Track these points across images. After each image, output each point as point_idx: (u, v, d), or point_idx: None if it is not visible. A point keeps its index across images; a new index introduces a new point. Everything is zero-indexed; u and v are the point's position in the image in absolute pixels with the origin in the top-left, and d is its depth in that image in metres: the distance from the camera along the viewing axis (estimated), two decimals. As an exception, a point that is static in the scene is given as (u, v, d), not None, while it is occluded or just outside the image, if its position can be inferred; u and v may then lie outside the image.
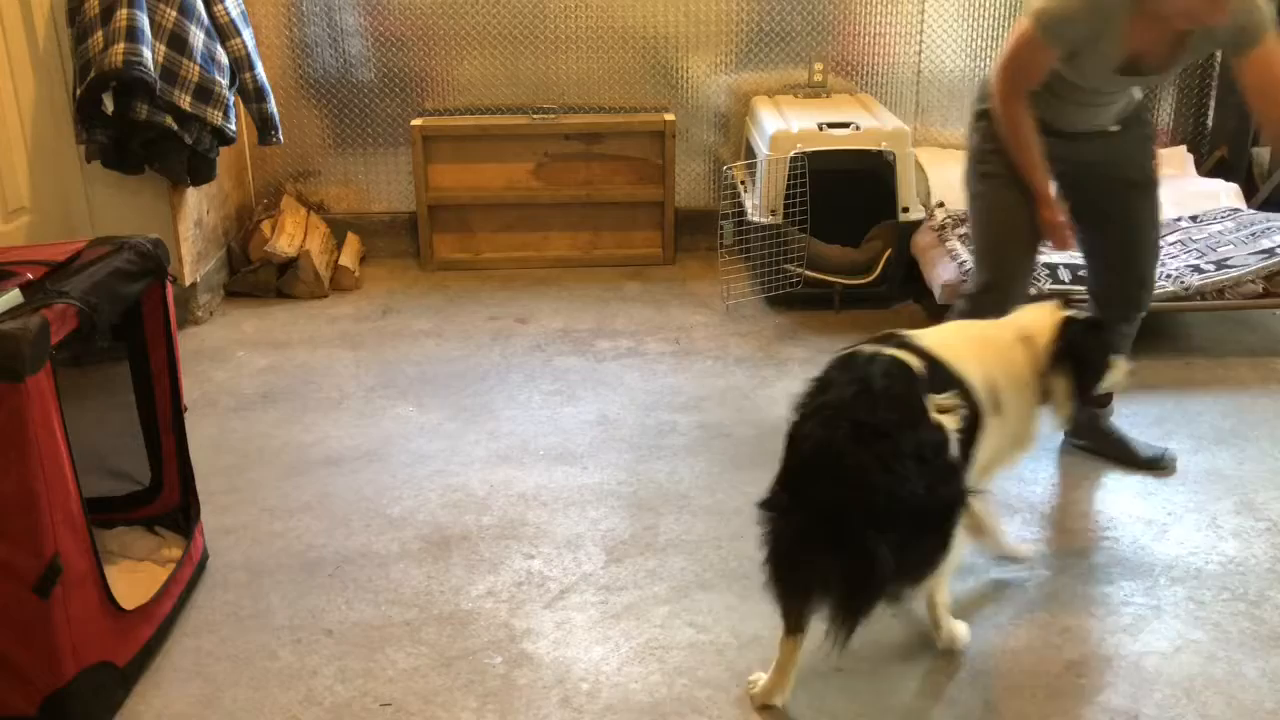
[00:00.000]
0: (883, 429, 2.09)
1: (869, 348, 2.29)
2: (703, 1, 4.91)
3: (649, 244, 5.07)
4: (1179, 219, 4.44)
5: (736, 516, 2.98)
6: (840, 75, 5.06)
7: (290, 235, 4.68)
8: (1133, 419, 3.40)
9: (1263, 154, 5.04)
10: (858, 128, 4.37)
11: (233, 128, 4.12)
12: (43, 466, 2.05)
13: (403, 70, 4.98)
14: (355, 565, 2.81)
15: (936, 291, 4.14)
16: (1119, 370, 2.64)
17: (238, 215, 4.87)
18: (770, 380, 3.83)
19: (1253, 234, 4.19)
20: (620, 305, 4.56)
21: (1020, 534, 2.91)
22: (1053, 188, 2.93)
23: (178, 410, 2.68)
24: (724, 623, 2.57)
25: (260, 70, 4.31)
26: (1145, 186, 3.05)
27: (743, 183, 4.72)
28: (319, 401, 3.71)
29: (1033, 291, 3.21)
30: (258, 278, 4.63)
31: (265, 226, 4.70)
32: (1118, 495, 3.12)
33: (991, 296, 2.90)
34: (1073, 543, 2.89)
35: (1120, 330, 3.07)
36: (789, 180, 4.30)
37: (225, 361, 4.04)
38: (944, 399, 2.20)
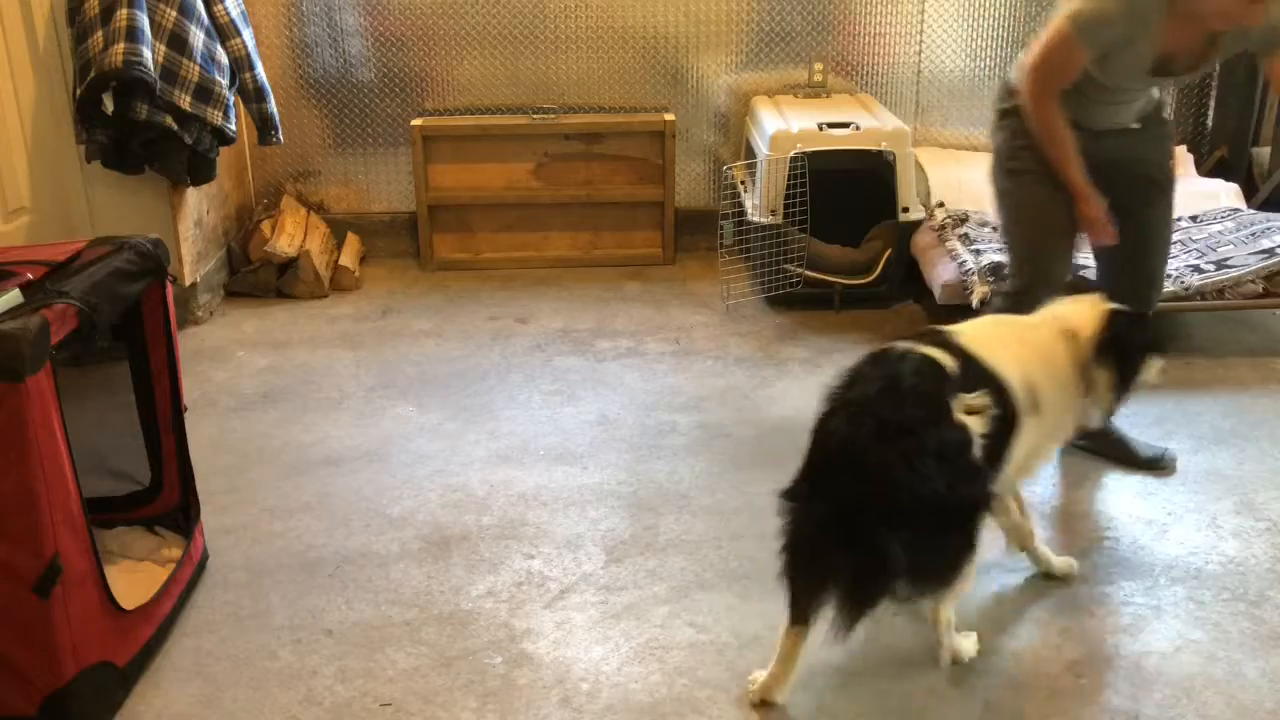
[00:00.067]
0: (907, 426, 2.10)
1: (903, 344, 2.30)
2: (703, 1, 4.91)
3: (649, 244, 5.07)
4: (1179, 219, 4.43)
5: (736, 516, 2.98)
6: (840, 75, 5.06)
7: (290, 235, 4.68)
8: (1133, 419, 3.40)
9: (1263, 154, 5.04)
10: (858, 128, 4.37)
11: (233, 128, 4.12)
12: (43, 466, 2.05)
13: (403, 70, 4.98)
14: (355, 565, 2.81)
15: (936, 291, 4.14)
16: (1154, 367, 2.64)
17: (238, 215, 4.87)
18: (770, 380, 3.83)
19: (1253, 234, 4.19)
20: (620, 305, 4.56)
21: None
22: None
23: (178, 410, 2.68)
24: (724, 623, 2.57)
25: (260, 70, 4.31)
26: (1164, 185, 3.07)
27: (743, 183, 4.72)
28: (319, 401, 3.71)
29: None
30: (258, 278, 4.63)
31: (265, 226, 4.70)
32: (1118, 495, 3.12)
33: (1031, 294, 2.87)
34: (1073, 543, 2.89)
35: None
36: (789, 180, 4.30)
37: (225, 361, 4.04)
38: (973, 399, 2.20)
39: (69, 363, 2.42)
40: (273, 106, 4.38)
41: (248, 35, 4.22)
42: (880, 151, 4.34)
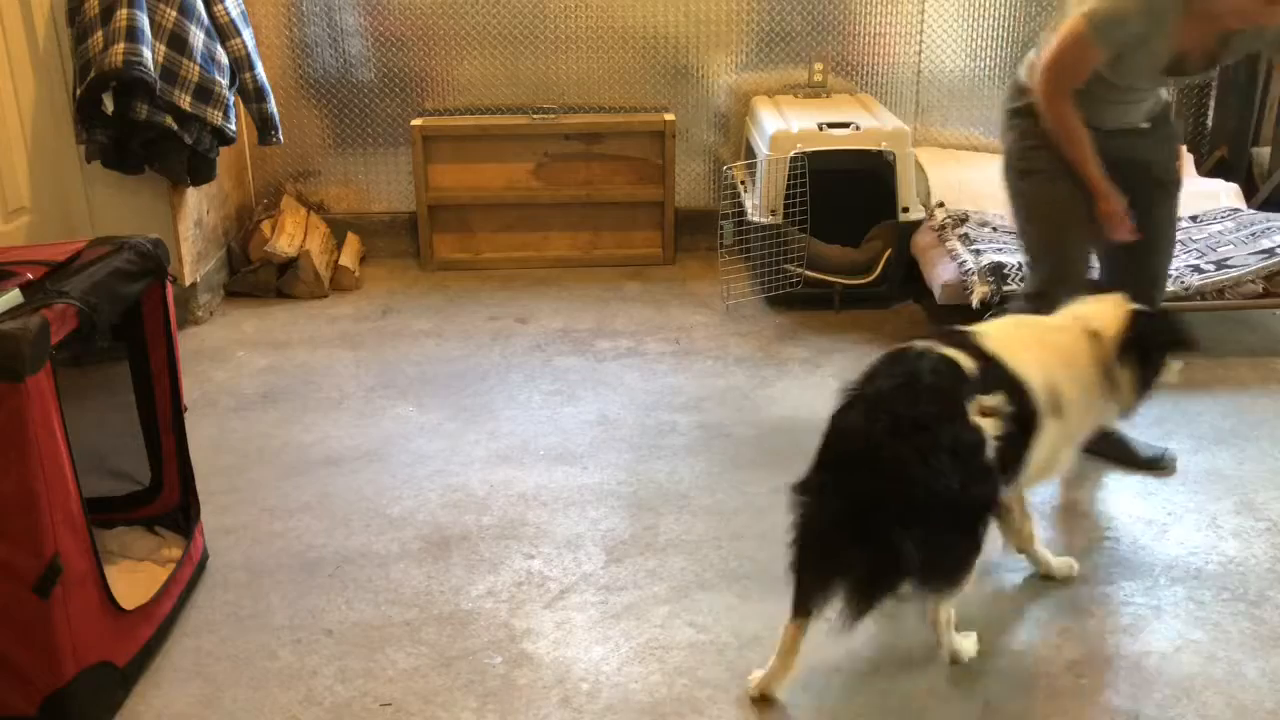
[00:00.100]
0: (922, 422, 2.11)
1: (922, 344, 2.30)
2: (703, 1, 4.91)
3: (649, 244, 5.07)
4: (1179, 219, 4.43)
5: (736, 516, 2.98)
6: (840, 75, 5.06)
7: (290, 235, 4.68)
8: (1133, 419, 3.40)
9: (1263, 154, 5.04)
10: (858, 128, 4.37)
11: (233, 128, 4.12)
12: (43, 466, 2.05)
13: (403, 70, 4.98)
14: (355, 565, 2.81)
15: (936, 291, 4.14)
16: (1174, 368, 2.64)
17: (238, 215, 4.87)
18: (770, 380, 3.83)
19: (1253, 234, 4.20)
20: (620, 305, 4.56)
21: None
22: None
23: (178, 410, 2.68)
24: (724, 623, 2.57)
25: (260, 70, 4.31)
26: (1169, 187, 3.08)
27: (743, 183, 4.72)
28: (319, 401, 3.71)
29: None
30: (258, 278, 4.63)
31: (265, 226, 4.70)
32: (1118, 495, 3.12)
33: (1052, 294, 2.86)
34: (1073, 543, 2.89)
35: None
36: (789, 180, 4.30)
37: (225, 361, 4.04)
38: (990, 401, 2.20)
39: (69, 363, 2.42)
40: (273, 106, 4.38)
41: (248, 35, 4.22)
42: (880, 151, 4.33)
